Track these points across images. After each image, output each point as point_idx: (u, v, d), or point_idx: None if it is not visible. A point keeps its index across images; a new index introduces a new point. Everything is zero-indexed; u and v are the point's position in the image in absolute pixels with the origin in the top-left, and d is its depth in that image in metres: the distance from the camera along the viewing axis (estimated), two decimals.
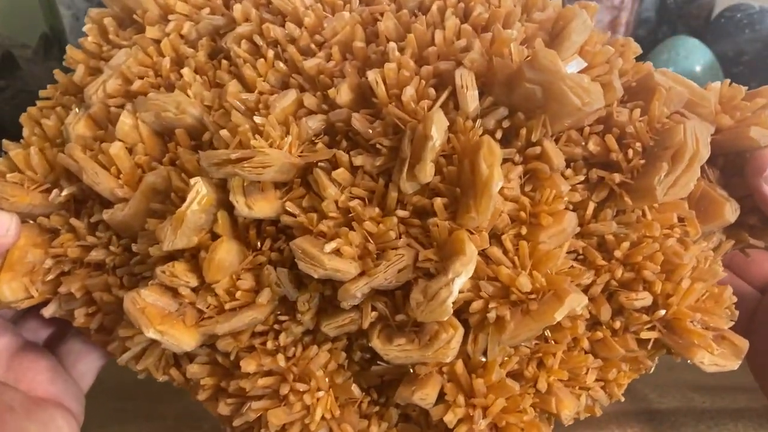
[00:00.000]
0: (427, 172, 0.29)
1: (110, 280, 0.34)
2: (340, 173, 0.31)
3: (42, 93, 0.37)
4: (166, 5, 0.36)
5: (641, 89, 0.33)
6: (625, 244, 0.32)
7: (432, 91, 0.31)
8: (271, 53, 0.33)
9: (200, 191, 0.30)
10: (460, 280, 0.28)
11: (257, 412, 0.32)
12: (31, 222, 0.35)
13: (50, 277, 0.35)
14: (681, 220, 0.33)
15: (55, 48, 0.74)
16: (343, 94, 0.32)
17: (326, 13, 0.34)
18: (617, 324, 0.33)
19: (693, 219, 0.33)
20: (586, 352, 0.33)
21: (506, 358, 0.32)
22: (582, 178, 0.32)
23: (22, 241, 0.34)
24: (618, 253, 0.32)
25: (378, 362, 0.33)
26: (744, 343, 0.32)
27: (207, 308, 0.32)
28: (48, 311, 0.35)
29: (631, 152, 0.31)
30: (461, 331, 0.30)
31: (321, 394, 0.32)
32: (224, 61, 0.34)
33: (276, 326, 0.33)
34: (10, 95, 0.65)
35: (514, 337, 0.29)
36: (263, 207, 0.31)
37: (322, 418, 0.32)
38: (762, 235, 0.34)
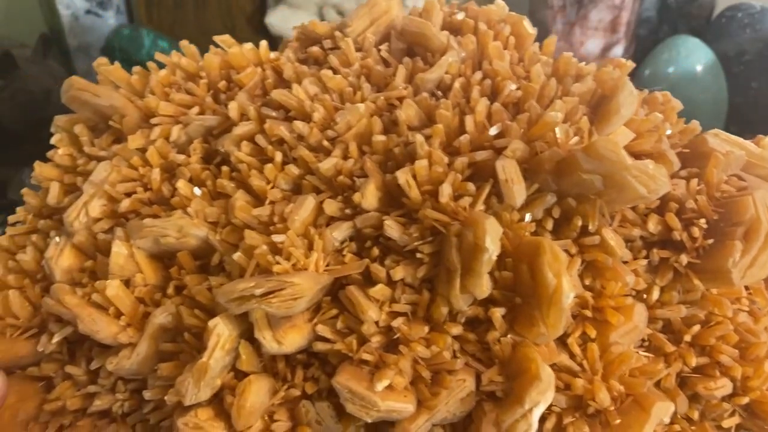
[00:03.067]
0: (484, 287, 0.25)
1: (121, 430, 0.29)
2: (379, 290, 0.27)
3: (11, 218, 0.33)
4: (147, 107, 0.31)
5: (694, 155, 0.30)
6: (695, 327, 0.29)
7: (471, 186, 0.27)
8: (279, 156, 0.29)
9: (222, 334, 0.26)
10: (538, 410, 0.25)
11: None
12: (18, 371, 0.31)
13: None
14: (746, 287, 0.30)
15: (54, 48, 0.73)
16: (369, 197, 0.28)
17: (335, 103, 0.30)
18: (694, 413, 0.30)
19: (761, 288, 0.30)
20: None
21: None
22: (644, 261, 0.29)
23: (11, 399, 0.30)
24: (688, 337, 0.29)
25: None
26: None
27: None
28: None
29: (696, 230, 0.28)
30: None
31: None
32: (224, 168, 0.30)
33: None
34: (9, 95, 0.64)
35: None
36: (294, 339, 0.27)
37: None
38: None
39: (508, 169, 0.27)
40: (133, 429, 0.30)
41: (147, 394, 0.29)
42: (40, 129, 0.80)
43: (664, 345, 0.29)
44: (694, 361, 0.29)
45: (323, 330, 0.28)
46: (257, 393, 0.27)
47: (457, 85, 0.29)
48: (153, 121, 0.31)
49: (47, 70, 0.71)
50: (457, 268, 0.26)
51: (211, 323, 0.26)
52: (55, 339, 0.30)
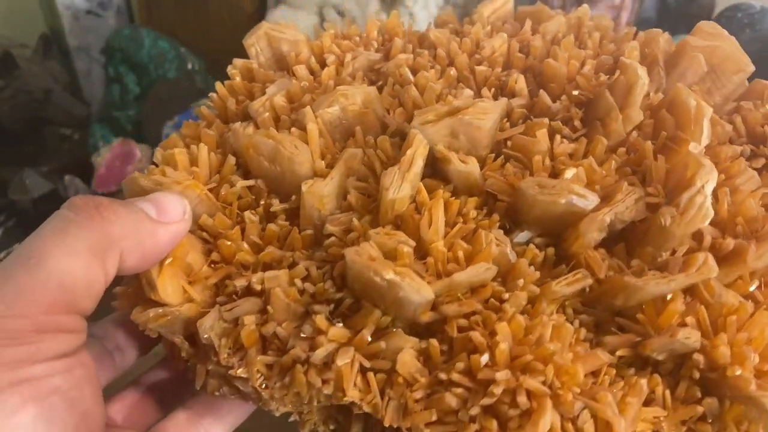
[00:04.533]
0: (639, 112, 0.31)
1: (294, 271, 0.30)
2: (542, 135, 0.32)
3: (185, 121, 0.36)
4: (321, 46, 0.38)
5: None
6: None
7: (602, 74, 0.34)
8: (438, 67, 0.36)
9: (422, 140, 0.30)
10: (709, 185, 0.28)
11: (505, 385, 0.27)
12: None
13: (213, 281, 0.30)
14: None
15: (54, 48, 0.73)
16: (521, 82, 0.34)
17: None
18: None
19: None
20: None
21: None
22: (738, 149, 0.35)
23: (185, 238, 0.30)
24: None
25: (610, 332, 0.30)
26: None
27: (425, 272, 0.28)
28: (206, 323, 0.29)
29: None
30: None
31: (570, 356, 0.28)
32: (389, 79, 0.36)
33: (492, 300, 0.29)
34: (9, 95, 0.63)
35: (759, 257, 0.29)
36: (475, 163, 0.31)
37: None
38: None
39: (631, 59, 0.34)
40: (307, 270, 0.30)
41: (330, 228, 0.30)
42: (40, 129, 0.77)
43: None
44: None
45: (491, 176, 0.31)
46: (442, 213, 0.29)
47: (570, 35, 0.38)
48: (325, 55, 0.38)
49: (47, 70, 0.73)
50: (613, 105, 0.31)
51: (412, 131, 0.30)
52: (239, 185, 0.31)
